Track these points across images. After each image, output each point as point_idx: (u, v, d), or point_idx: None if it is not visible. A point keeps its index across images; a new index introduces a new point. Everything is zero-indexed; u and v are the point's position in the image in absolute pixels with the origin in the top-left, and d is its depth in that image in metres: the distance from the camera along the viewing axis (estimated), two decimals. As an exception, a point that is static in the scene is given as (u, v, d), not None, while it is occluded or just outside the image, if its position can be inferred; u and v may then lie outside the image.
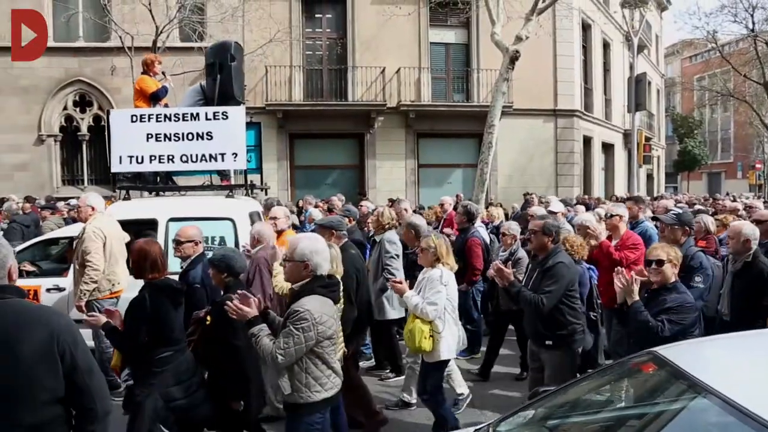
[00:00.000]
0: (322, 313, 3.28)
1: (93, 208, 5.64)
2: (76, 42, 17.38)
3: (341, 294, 3.83)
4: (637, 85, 15.46)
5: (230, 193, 6.72)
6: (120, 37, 15.30)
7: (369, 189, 18.20)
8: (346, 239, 5.24)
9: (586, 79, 22.39)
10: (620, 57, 25.44)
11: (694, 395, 2.40)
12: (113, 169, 6.65)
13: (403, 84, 18.56)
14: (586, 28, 22.20)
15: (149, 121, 6.50)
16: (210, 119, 6.48)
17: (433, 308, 4.52)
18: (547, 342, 4.48)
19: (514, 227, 6.54)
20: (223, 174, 7.37)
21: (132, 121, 6.51)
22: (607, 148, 24.62)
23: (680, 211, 5.75)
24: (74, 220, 8.52)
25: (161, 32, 14.80)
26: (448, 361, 4.86)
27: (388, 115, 18.64)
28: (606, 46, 24.49)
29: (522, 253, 6.20)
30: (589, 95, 22.48)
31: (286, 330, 3.21)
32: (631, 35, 16.34)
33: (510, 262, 6.00)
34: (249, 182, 7.18)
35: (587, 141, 21.92)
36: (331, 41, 19.10)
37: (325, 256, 3.45)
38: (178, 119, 6.50)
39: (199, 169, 6.91)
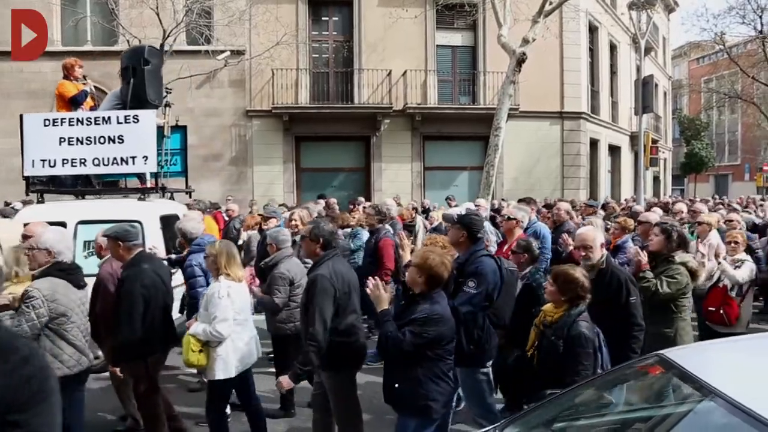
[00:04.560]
0: (54, 291, 3.73)
1: None
2: (84, 46, 17.49)
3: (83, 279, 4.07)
4: (645, 88, 15.39)
5: (142, 196, 6.82)
6: (128, 41, 15.39)
7: (375, 191, 18.24)
8: (140, 250, 4.64)
9: (593, 82, 22.35)
10: (627, 59, 25.40)
11: (701, 398, 2.40)
12: (25, 173, 6.78)
13: (410, 86, 18.60)
14: (593, 30, 22.15)
15: (62, 125, 6.65)
16: (121, 123, 6.61)
17: (225, 325, 4.19)
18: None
19: (272, 236, 5.53)
20: (141, 177, 7.38)
21: (45, 125, 6.66)
22: (614, 150, 24.57)
23: (462, 212, 5.67)
24: None
25: (168, 36, 14.89)
26: (231, 381, 4.35)
27: (394, 117, 18.68)
28: (613, 48, 24.45)
29: (283, 267, 5.19)
30: (596, 97, 22.44)
31: (19, 310, 3.63)
32: (638, 37, 16.31)
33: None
34: (161, 185, 7.19)
35: (594, 143, 21.88)
36: (338, 44, 19.17)
37: (67, 244, 4.09)
38: (90, 123, 6.64)
39: (111, 172, 6.98)
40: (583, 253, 4.38)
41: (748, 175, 45.23)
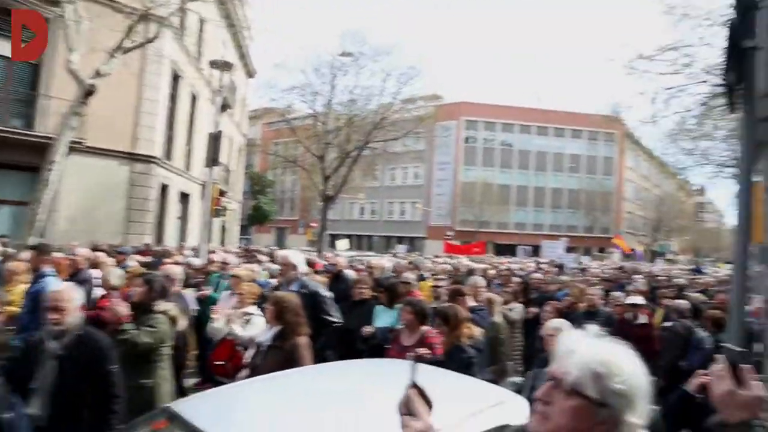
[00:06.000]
0: None
1: None
2: None
3: None
4: (215, 142, 16.24)
5: None
6: None
7: None
8: None
9: (171, 127, 22.49)
10: (206, 112, 26.54)
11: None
12: None
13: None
14: (176, 77, 22.40)
15: None
16: None
17: None
18: None
19: None
20: None
21: None
22: (185, 197, 25.06)
23: None
24: None
25: None
26: None
27: None
28: (194, 99, 25.25)
29: None
30: (172, 144, 22.60)
31: None
32: (216, 93, 17.26)
33: None
34: None
35: (164, 189, 21.84)
36: None
37: None
38: None
39: None
40: (55, 316, 3.87)
41: (302, 229, 52.38)
